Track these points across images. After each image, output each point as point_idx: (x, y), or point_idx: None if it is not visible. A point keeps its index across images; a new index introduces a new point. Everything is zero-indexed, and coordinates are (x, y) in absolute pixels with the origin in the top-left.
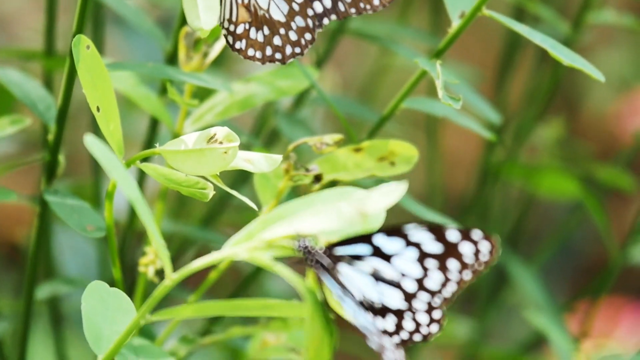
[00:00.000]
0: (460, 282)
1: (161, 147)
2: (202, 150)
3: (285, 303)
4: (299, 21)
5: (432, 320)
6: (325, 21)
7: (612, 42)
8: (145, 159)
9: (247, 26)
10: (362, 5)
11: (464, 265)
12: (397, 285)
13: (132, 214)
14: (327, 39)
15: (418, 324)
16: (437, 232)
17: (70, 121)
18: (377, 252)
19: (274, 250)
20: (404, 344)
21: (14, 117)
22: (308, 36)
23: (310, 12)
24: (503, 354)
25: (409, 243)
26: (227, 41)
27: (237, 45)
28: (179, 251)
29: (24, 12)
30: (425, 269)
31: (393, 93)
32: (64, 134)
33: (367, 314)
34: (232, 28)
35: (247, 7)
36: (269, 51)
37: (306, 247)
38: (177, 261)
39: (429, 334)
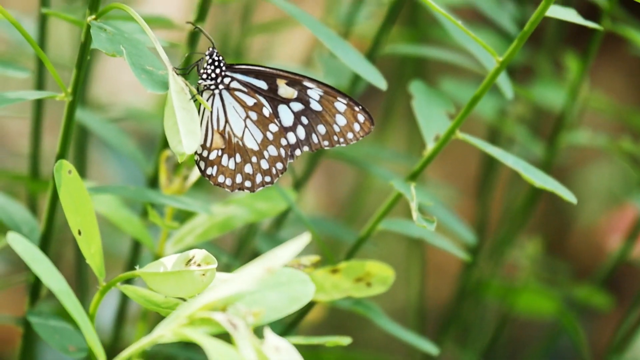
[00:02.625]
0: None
1: (141, 269)
2: (180, 273)
3: None
4: (271, 150)
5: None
6: (298, 152)
7: (602, 156)
8: (127, 281)
9: (219, 152)
10: (335, 138)
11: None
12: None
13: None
14: (307, 161)
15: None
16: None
17: (54, 242)
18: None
19: (199, 325)
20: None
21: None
22: (279, 165)
23: (283, 142)
24: None
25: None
26: (199, 167)
27: (209, 171)
28: None
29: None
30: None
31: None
32: (48, 255)
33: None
34: (205, 154)
35: (222, 134)
36: (239, 179)
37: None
38: None
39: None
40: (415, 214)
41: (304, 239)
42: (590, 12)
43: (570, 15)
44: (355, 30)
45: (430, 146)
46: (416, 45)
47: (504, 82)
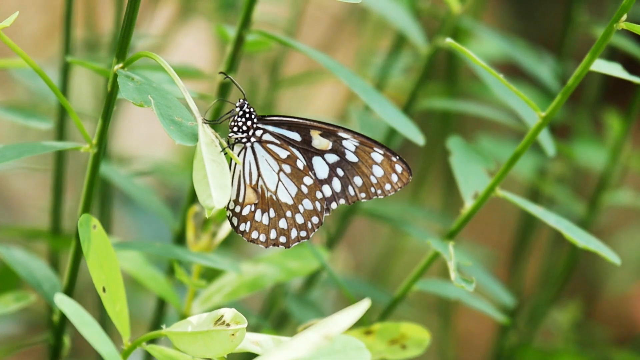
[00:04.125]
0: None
1: (168, 328)
2: (209, 333)
3: None
4: (306, 204)
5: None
6: (334, 205)
7: (635, 222)
8: (152, 340)
9: (252, 208)
10: (372, 190)
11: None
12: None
13: None
14: (339, 219)
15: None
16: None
17: (76, 300)
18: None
19: None
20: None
21: (18, 293)
22: (315, 219)
23: (319, 195)
24: None
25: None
26: (231, 223)
27: (242, 227)
28: None
29: (31, 190)
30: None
31: (407, 273)
32: None
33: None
34: (237, 209)
35: (254, 189)
36: (273, 234)
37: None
38: None
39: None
40: (453, 274)
41: (364, 305)
42: (632, 67)
43: (615, 70)
44: (389, 83)
45: (468, 204)
46: (453, 100)
47: (545, 139)
